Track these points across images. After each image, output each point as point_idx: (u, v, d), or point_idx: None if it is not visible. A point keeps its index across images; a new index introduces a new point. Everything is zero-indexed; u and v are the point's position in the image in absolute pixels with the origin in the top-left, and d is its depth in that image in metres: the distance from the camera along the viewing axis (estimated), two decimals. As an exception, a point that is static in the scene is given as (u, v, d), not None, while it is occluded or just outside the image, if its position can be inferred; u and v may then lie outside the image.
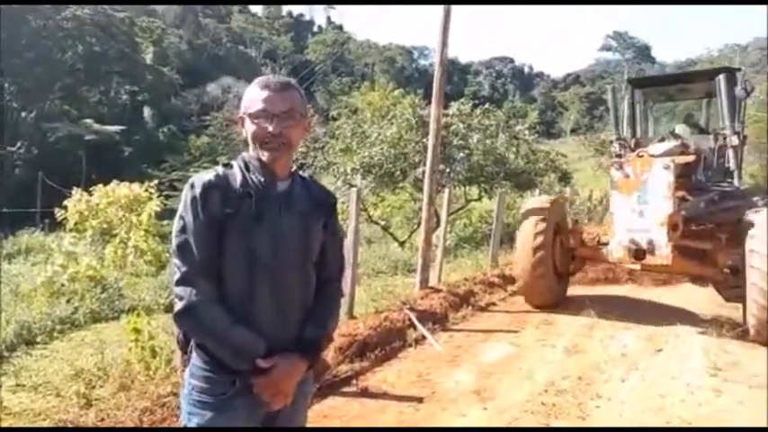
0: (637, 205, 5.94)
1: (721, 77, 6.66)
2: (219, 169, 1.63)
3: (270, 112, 1.59)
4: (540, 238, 6.47)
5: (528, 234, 6.57)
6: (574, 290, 7.52)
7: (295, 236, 1.62)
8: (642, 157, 6.13)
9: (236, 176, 1.60)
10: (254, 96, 1.63)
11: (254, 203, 1.56)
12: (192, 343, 1.62)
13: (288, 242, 1.60)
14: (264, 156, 1.62)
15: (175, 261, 1.56)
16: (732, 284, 5.94)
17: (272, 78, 1.68)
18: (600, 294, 7.41)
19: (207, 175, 1.59)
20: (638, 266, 6.34)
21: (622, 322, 6.01)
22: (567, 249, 7.04)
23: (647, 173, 5.94)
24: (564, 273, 7.10)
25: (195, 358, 1.61)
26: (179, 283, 1.54)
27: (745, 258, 5.54)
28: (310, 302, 1.68)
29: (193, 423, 1.59)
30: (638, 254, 5.91)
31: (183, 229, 1.55)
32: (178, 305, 1.53)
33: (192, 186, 1.57)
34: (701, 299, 7.00)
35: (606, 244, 6.40)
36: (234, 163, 1.66)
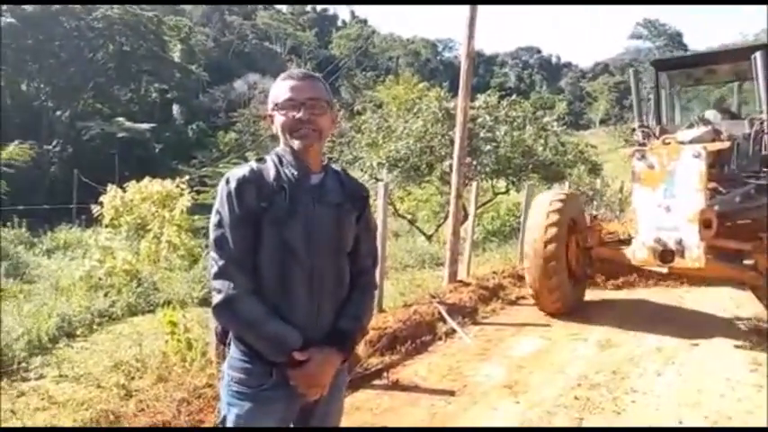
0: (663, 200, 5.19)
1: (758, 55, 5.81)
2: (254, 164, 1.65)
3: (297, 100, 1.62)
4: (552, 231, 5.77)
5: (538, 230, 5.85)
6: (591, 293, 6.89)
7: (328, 228, 1.63)
8: (669, 144, 5.39)
9: (270, 170, 1.62)
10: (279, 89, 1.66)
11: (287, 196, 1.58)
12: (231, 335, 1.65)
13: (321, 234, 1.62)
14: (296, 144, 1.64)
15: (212, 255, 1.59)
16: None
17: (295, 70, 1.74)
18: (620, 299, 6.92)
19: (241, 170, 1.62)
20: (665, 270, 5.55)
21: (642, 336, 5.33)
22: (583, 249, 6.32)
23: (674, 162, 5.19)
24: (580, 275, 6.38)
25: (234, 350, 1.65)
26: (217, 276, 1.56)
27: None
28: (344, 294, 1.70)
29: (233, 414, 1.62)
30: (666, 255, 5.15)
31: (220, 224, 1.58)
32: (216, 298, 1.56)
33: (228, 181, 1.60)
34: (738, 303, 6.49)
35: (629, 243, 5.62)
36: (267, 157, 1.68)
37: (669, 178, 5.21)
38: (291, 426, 1.72)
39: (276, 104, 1.65)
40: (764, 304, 5.57)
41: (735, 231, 5.55)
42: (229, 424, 1.63)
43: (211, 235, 1.59)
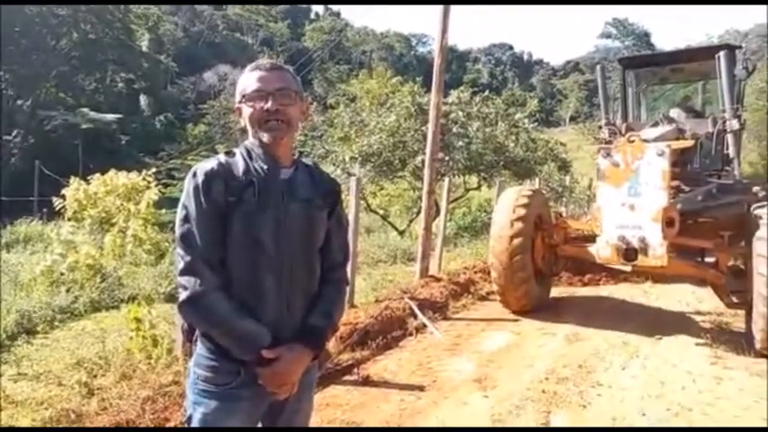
0: (627, 198, 5.20)
1: (722, 55, 5.96)
2: (222, 157, 1.61)
3: (264, 91, 1.59)
4: (518, 226, 5.78)
5: (505, 225, 5.83)
6: (558, 290, 7.02)
7: (299, 224, 1.61)
8: (633, 142, 5.37)
9: (239, 164, 1.59)
10: (247, 80, 1.63)
11: (257, 191, 1.55)
12: (197, 332, 1.62)
13: (292, 230, 1.59)
14: (265, 137, 1.60)
15: (179, 251, 1.54)
16: (735, 288, 5.28)
17: (263, 61, 1.70)
18: (587, 296, 7.03)
19: (209, 164, 1.58)
20: (628, 268, 5.53)
21: (609, 331, 5.38)
22: (549, 246, 6.33)
23: (638, 160, 5.19)
24: (546, 273, 6.39)
25: (200, 348, 1.61)
26: (183, 272, 1.52)
27: (749, 261, 4.96)
28: (315, 290, 1.68)
29: (199, 412, 1.58)
30: (629, 253, 5.17)
31: (186, 218, 1.54)
32: (182, 295, 1.52)
33: (195, 175, 1.55)
34: (700, 298, 6.64)
35: (593, 241, 5.62)
36: (236, 151, 1.64)
37: (633, 176, 5.20)
38: (260, 424, 1.69)
39: (244, 96, 1.62)
40: (725, 302, 5.62)
41: (697, 230, 5.62)
42: (195, 423, 1.59)
43: (177, 230, 1.55)
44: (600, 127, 7.05)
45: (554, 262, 6.56)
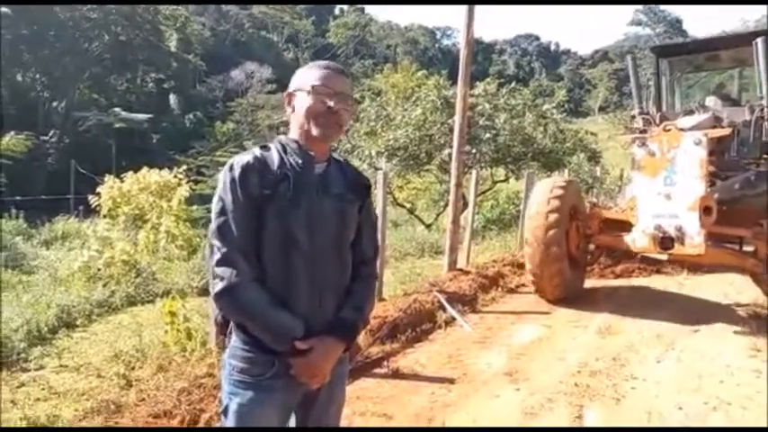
0: (663, 187, 5.22)
1: (759, 42, 5.89)
2: (257, 151, 1.63)
3: (333, 90, 1.63)
4: (553, 217, 5.80)
5: (540, 216, 5.87)
6: (591, 282, 6.93)
7: (331, 219, 1.63)
8: (669, 131, 5.35)
9: (274, 158, 1.61)
10: (315, 73, 1.66)
11: (291, 186, 1.57)
12: (232, 324, 1.64)
13: (324, 225, 1.61)
14: (315, 131, 1.63)
15: (215, 242, 1.57)
16: None
17: (332, 62, 1.75)
18: (623, 286, 6.92)
19: (245, 157, 1.60)
20: (664, 257, 5.64)
21: (643, 322, 5.32)
22: (583, 236, 6.37)
23: (674, 149, 5.21)
24: (580, 262, 6.40)
25: (235, 339, 1.63)
26: (219, 263, 1.54)
27: None
28: (346, 284, 1.70)
29: (234, 403, 1.61)
30: (665, 242, 5.19)
31: (223, 211, 1.56)
32: (218, 285, 1.54)
33: (231, 168, 1.58)
34: (738, 289, 6.46)
35: (629, 230, 5.61)
36: (271, 145, 1.67)
37: (670, 166, 5.21)
38: (293, 416, 1.71)
39: (312, 86, 1.63)
40: (764, 290, 5.57)
41: (735, 218, 5.51)
42: (231, 413, 1.62)
43: (214, 222, 1.58)
44: (633, 117, 7.01)
45: (588, 252, 6.54)
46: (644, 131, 6.23)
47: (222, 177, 1.59)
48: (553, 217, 5.82)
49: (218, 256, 1.55)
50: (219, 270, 1.54)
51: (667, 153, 5.26)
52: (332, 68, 1.68)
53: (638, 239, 5.42)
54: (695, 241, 5.03)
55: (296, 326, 1.56)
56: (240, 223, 1.55)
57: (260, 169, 1.58)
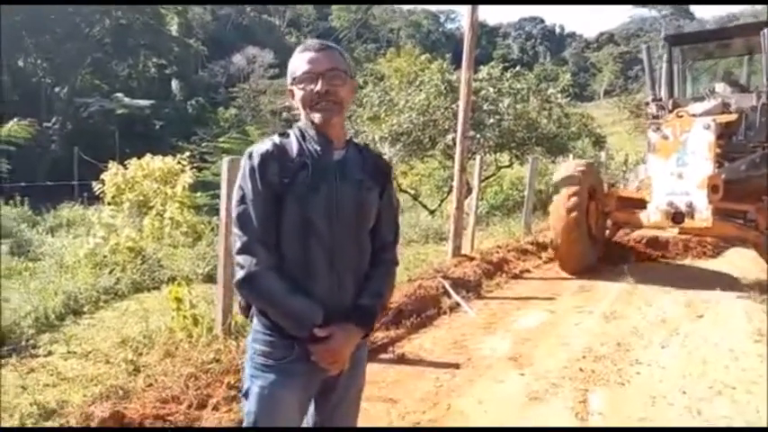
0: (675, 168, 5.85)
1: (766, 31, 6.41)
2: (276, 138, 1.64)
3: (314, 72, 1.60)
4: (573, 200, 6.41)
5: (562, 196, 6.54)
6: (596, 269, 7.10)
7: (350, 205, 1.62)
8: (682, 117, 6.00)
9: (293, 145, 1.62)
10: (297, 62, 1.64)
11: (310, 172, 1.57)
12: (254, 308, 1.66)
13: (343, 211, 1.61)
14: (316, 118, 1.62)
15: (235, 230, 1.59)
16: None
17: (312, 41, 1.70)
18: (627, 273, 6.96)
19: (264, 145, 1.61)
20: (675, 230, 6.32)
21: (663, 287, 5.81)
22: (602, 214, 7.01)
23: (686, 133, 5.84)
24: (600, 237, 7.09)
25: (256, 324, 1.66)
26: (240, 252, 1.57)
27: None
28: (365, 270, 1.70)
29: (256, 385, 1.64)
30: (677, 217, 5.86)
31: (243, 199, 1.57)
32: (239, 273, 1.57)
33: (251, 156, 1.59)
34: (742, 272, 6.72)
35: (643, 207, 6.28)
36: (290, 132, 1.67)
37: (681, 148, 5.85)
38: (313, 403, 1.74)
39: (294, 78, 1.63)
40: (765, 259, 6.14)
41: (740, 195, 5.99)
42: (252, 395, 1.65)
43: (234, 211, 1.59)
44: (647, 103, 7.63)
45: (606, 227, 7.27)
46: (656, 117, 6.88)
47: (242, 166, 1.60)
48: (573, 198, 6.43)
49: (238, 244, 1.57)
50: (240, 258, 1.56)
51: (680, 137, 5.87)
52: (311, 49, 1.64)
53: (652, 215, 6.08)
54: (704, 215, 5.69)
55: (315, 312, 1.57)
56: (260, 212, 1.56)
57: (279, 157, 1.58)
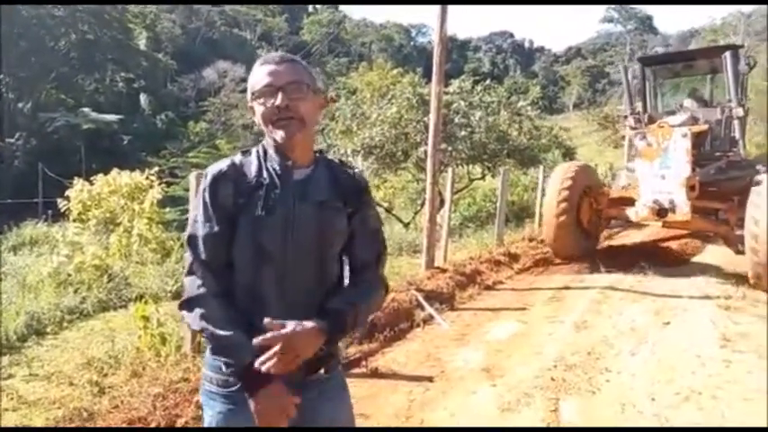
0: (659, 170, 6.75)
1: (727, 55, 7.27)
2: (236, 157, 1.55)
3: (274, 86, 1.47)
4: (564, 194, 7.36)
5: (554, 193, 7.51)
6: (566, 278, 7.30)
7: (310, 228, 1.49)
8: (663, 127, 6.90)
9: (252, 165, 1.52)
10: (256, 76, 1.52)
11: (263, 194, 1.47)
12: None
13: (300, 235, 1.48)
14: (278, 135, 1.49)
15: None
16: (741, 240, 6.49)
17: (272, 54, 1.59)
18: (597, 284, 7.06)
19: (220, 165, 1.52)
20: (659, 223, 7.26)
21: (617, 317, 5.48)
22: (595, 210, 7.95)
23: (667, 141, 6.71)
24: (593, 230, 8.13)
25: (208, 348, 1.55)
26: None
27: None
28: (322, 300, 1.52)
29: (207, 414, 1.54)
30: (661, 212, 6.74)
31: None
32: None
33: (206, 176, 1.52)
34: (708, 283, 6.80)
35: (631, 205, 7.19)
36: (253, 150, 1.57)
37: (664, 153, 6.74)
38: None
39: (254, 93, 1.51)
40: (734, 250, 7.04)
41: (712, 196, 7.14)
42: (205, 425, 1.55)
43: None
44: (625, 116, 8.68)
45: (599, 222, 8.24)
46: (634, 128, 7.95)
47: (199, 186, 1.55)
48: (564, 194, 7.42)
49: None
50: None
51: (662, 144, 6.76)
52: (272, 62, 1.52)
53: (639, 211, 7.01)
54: (684, 211, 6.59)
55: (244, 349, 1.39)
56: (208, 234, 1.48)
57: (235, 177, 1.49)
